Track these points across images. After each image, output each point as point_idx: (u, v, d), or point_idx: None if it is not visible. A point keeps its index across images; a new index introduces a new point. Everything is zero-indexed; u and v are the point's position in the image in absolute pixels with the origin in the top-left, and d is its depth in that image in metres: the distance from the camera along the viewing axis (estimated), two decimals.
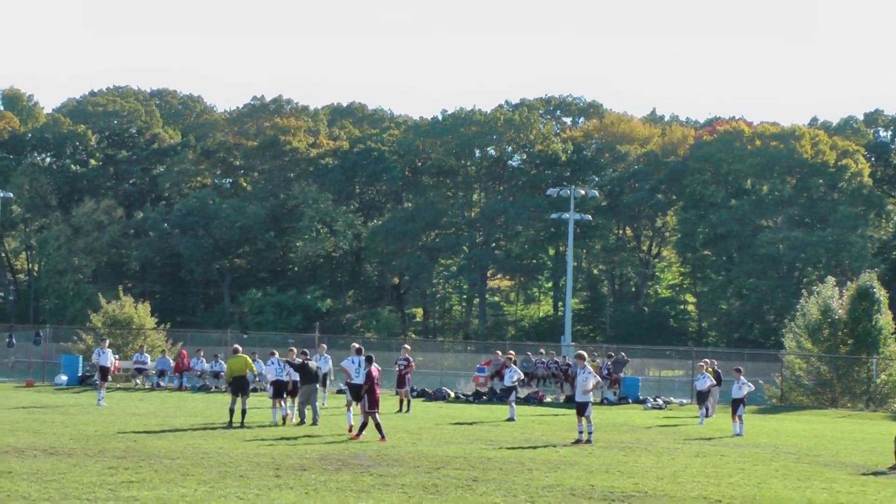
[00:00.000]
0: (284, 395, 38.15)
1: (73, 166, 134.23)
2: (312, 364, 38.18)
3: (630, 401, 55.66)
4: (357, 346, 36.30)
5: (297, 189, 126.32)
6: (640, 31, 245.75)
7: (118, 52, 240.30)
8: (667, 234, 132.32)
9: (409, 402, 44.95)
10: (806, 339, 61.82)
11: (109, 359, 47.00)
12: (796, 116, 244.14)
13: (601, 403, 52.13)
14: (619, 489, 22.84)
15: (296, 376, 37.58)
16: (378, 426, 31.57)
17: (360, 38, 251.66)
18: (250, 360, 37.35)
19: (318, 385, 39.07)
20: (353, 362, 34.48)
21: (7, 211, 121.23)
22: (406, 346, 49.50)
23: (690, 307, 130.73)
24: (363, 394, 32.33)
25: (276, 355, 40.57)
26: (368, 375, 32.40)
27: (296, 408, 37.84)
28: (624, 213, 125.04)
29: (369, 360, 33.22)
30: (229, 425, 35.08)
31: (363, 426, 31.91)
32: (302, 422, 36.95)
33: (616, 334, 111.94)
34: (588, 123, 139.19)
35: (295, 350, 39.46)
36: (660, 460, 28.74)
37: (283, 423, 36.70)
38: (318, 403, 38.43)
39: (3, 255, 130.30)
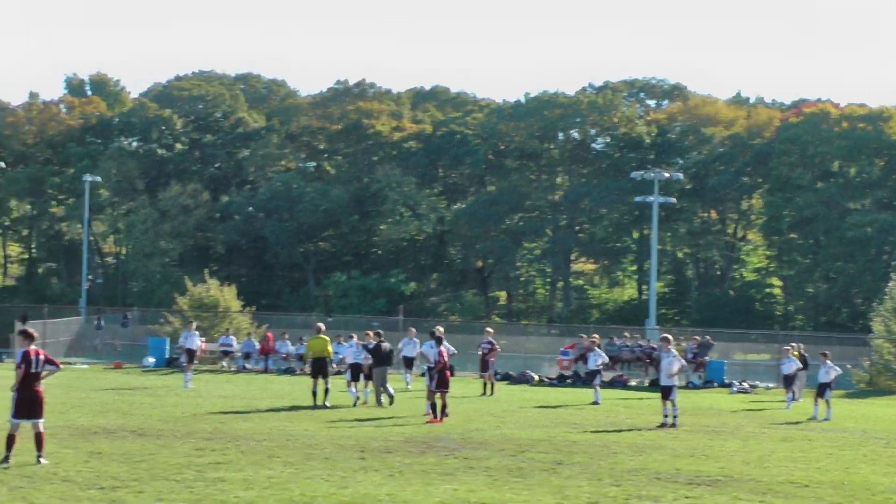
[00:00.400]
0: (361, 378, 38.49)
1: (159, 150, 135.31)
2: (386, 346, 38.40)
3: (715, 384, 55.38)
4: (432, 330, 36.47)
5: (380, 172, 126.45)
6: (724, 13, 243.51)
7: (203, 36, 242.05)
8: (752, 217, 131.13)
9: (493, 385, 44.97)
10: (895, 323, 61.08)
11: (196, 341, 47.43)
12: (884, 97, 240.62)
13: (686, 387, 51.91)
14: (705, 473, 22.71)
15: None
16: (443, 407, 31.70)
17: (442, 22, 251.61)
18: (329, 344, 37.52)
19: (389, 366, 39.14)
20: (432, 347, 34.63)
21: (95, 195, 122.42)
22: (488, 329, 49.49)
23: (776, 290, 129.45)
24: (434, 374, 32.52)
25: (355, 338, 40.90)
26: (439, 356, 32.61)
27: (373, 391, 38.10)
28: (709, 195, 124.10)
29: (439, 342, 33.44)
30: (314, 407, 35.32)
31: (443, 407, 32.02)
32: (379, 403, 37.18)
33: (701, 318, 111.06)
34: (672, 106, 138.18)
35: (371, 333, 39.73)
36: (746, 444, 28.55)
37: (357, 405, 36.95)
38: (404, 385, 38.57)
39: (92, 238, 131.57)
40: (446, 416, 31.86)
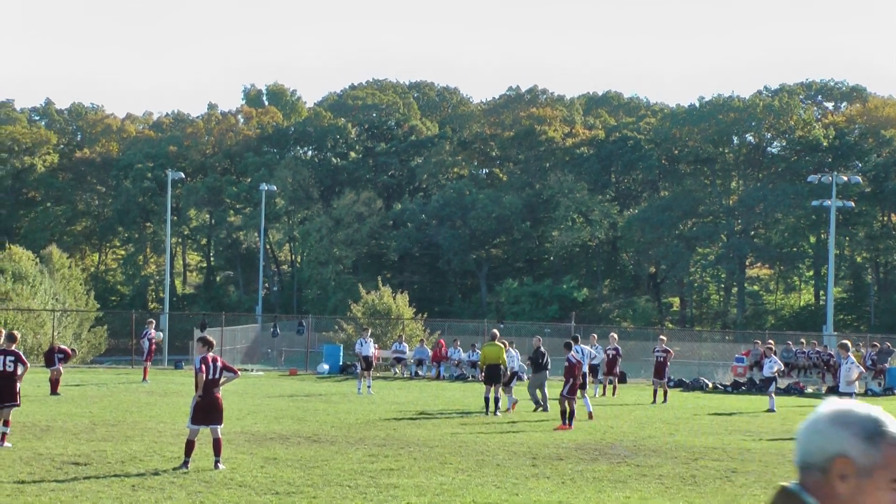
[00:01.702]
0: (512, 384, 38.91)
1: (333, 159, 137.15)
2: (542, 350, 38.59)
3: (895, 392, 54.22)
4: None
5: (552, 179, 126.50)
6: None
7: (377, 45, 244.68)
8: None
9: (665, 392, 44.54)
10: None
11: (371, 348, 47.75)
12: None
13: (865, 394, 50.87)
14: None
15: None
16: (565, 413, 31.48)
17: (614, 26, 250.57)
18: (504, 351, 37.49)
19: (545, 372, 39.20)
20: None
21: (271, 204, 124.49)
22: (662, 336, 49.11)
23: None
24: (568, 379, 32.37)
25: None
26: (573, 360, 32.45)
27: (529, 396, 38.50)
28: (889, 199, 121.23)
29: (568, 347, 33.24)
30: (486, 414, 35.39)
31: (569, 414, 31.78)
32: (537, 408, 37.38)
33: (881, 323, 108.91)
34: (851, 108, 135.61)
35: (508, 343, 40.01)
36: None
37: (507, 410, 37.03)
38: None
39: (268, 246, 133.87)
40: (570, 423, 31.63)
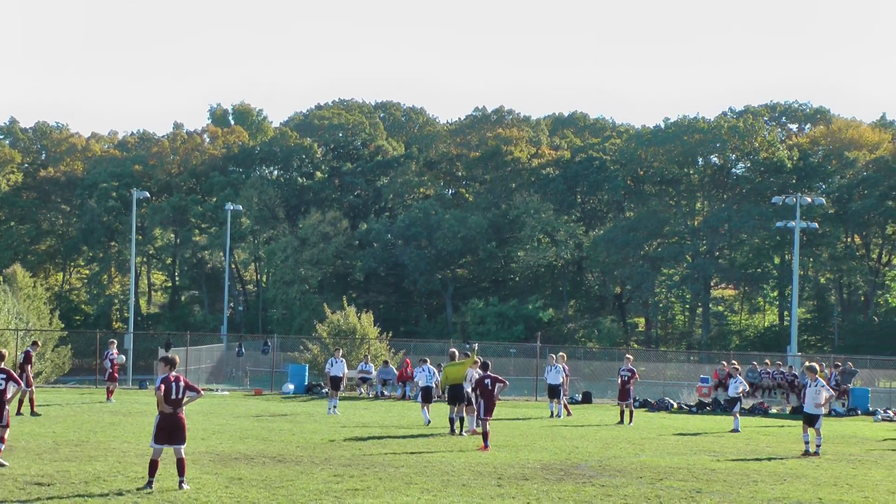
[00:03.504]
0: (432, 402, 39.30)
1: (299, 179, 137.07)
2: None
3: (859, 412, 54.43)
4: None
5: (518, 199, 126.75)
6: (867, 34, 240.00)
7: (343, 65, 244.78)
8: None
9: (631, 413, 44.50)
10: None
11: (343, 369, 47.66)
12: None
13: (829, 415, 51.01)
14: (849, 502, 22.28)
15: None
16: (485, 434, 31.39)
17: (580, 48, 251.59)
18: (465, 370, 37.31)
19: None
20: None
21: (237, 223, 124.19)
22: (628, 356, 49.11)
23: None
24: (480, 399, 32.36)
25: (428, 363, 41.93)
26: (491, 381, 32.26)
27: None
28: (852, 220, 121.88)
29: (485, 368, 33.11)
30: (451, 434, 35.33)
31: (485, 435, 31.67)
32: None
33: (844, 344, 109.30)
34: (814, 130, 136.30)
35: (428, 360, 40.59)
36: (891, 473, 27.97)
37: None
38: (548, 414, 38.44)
39: (233, 266, 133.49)
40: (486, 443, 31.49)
